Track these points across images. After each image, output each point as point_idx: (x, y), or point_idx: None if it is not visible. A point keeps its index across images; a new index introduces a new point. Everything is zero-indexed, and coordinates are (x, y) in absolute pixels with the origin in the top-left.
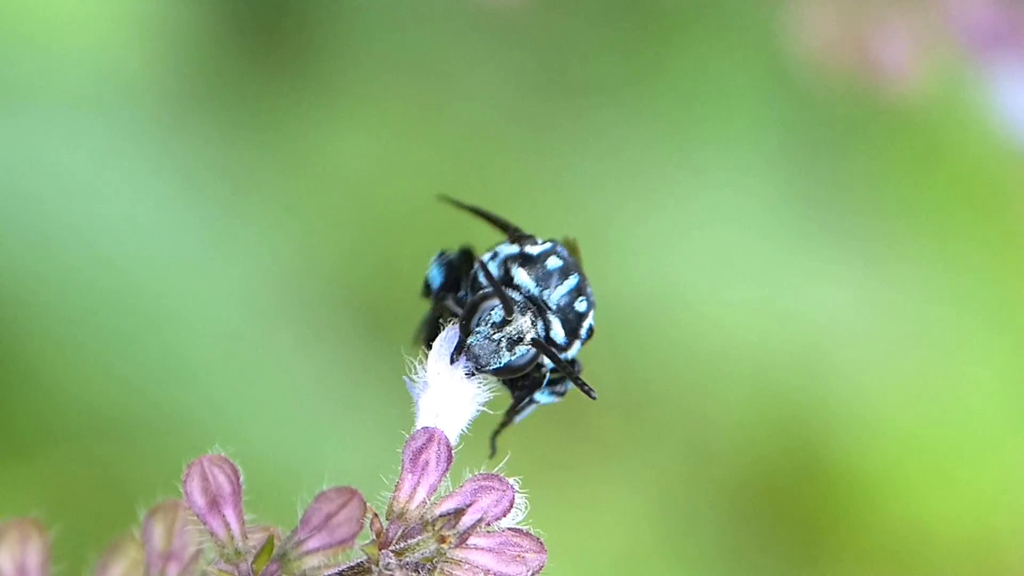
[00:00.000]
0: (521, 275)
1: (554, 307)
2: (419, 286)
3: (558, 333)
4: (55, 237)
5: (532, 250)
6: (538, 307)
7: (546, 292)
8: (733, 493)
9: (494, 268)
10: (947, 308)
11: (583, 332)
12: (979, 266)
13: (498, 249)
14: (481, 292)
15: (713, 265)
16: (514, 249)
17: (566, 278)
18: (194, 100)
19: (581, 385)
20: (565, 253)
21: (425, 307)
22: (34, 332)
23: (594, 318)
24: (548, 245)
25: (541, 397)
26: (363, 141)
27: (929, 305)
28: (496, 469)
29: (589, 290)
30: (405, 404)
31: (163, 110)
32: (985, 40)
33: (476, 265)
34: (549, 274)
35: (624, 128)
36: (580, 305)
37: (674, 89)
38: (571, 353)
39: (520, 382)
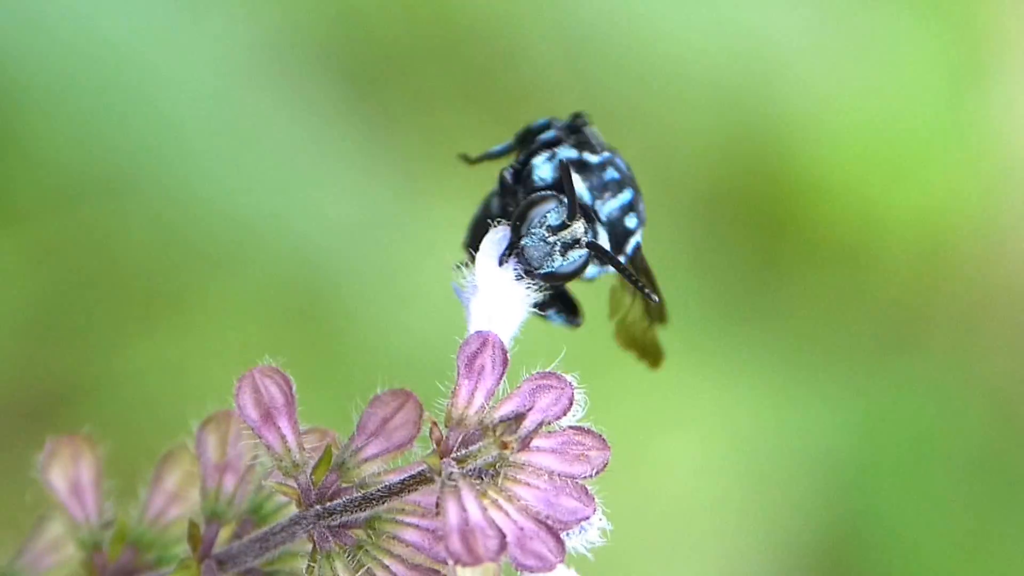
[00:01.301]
0: (577, 182)
1: (604, 219)
2: (389, 46)
3: (604, 243)
4: (51, 14)
5: (591, 158)
6: (587, 216)
7: (599, 203)
8: (697, 200)
9: (550, 169)
10: (892, 18)
11: (629, 248)
12: None
13: (556, 150)
14: (539, 193)
15: None
16: (573, 152)
17: (620, 191)
18: None
19: (641, 287)
20: (623, 165)
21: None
22: (32, 104)
23: (643, 235)
24: (607, 155)
25: (555, 319)
26: None
27: (875, 15)
28: (552, 366)
29: (642, 207)
30: (365, 171)
31: None
32: None
33: (540, 161)
34: (605, 184)
35: None
36: (630, 221)
37: None
38: (594, 275)
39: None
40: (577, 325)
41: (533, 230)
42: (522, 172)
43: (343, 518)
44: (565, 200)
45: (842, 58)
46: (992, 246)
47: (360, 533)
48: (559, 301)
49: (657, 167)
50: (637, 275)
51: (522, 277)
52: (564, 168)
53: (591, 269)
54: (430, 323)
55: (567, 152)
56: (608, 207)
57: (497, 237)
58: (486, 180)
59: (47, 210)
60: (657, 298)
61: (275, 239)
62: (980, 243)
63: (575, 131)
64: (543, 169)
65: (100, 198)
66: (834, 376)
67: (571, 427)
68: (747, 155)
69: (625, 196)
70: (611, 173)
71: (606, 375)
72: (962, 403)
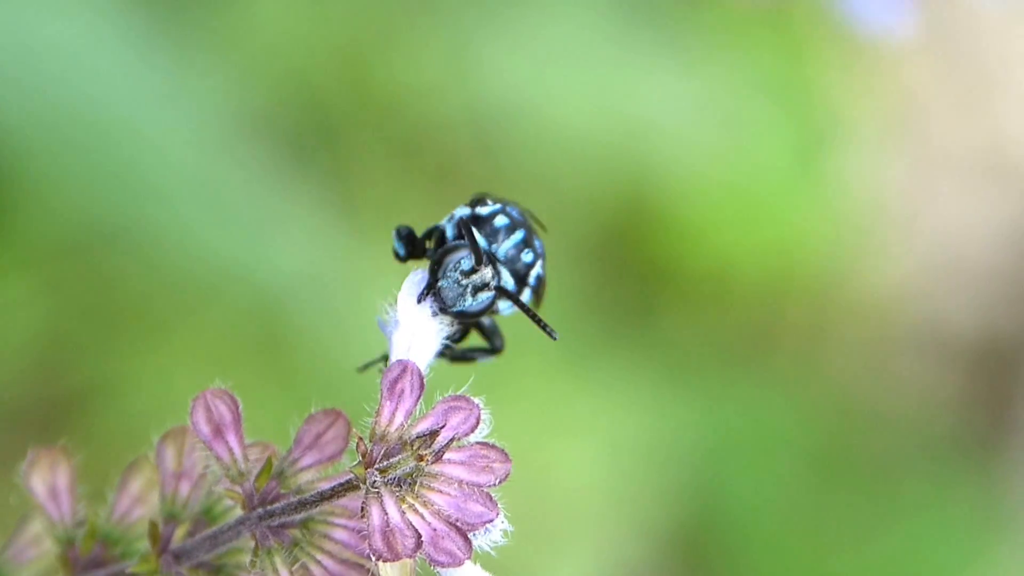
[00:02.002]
0: (473, 234)
1: (502, 258)
2: (336, 116)
3: (508, 281)
4: (49, 85)
5: (482, 211)
6: (490, 259)
7: (495, 246)
8: (590, 248)
9: (450, 228)
10: (745, 93)
11: (531, 280)
12: (770, 67)
13: (454, 212)
14: (452, 244)
15: (561, 74)
16: (467, 211)
17: (512, 233)
18: None
19: (542, 326)
20: (514, 212)
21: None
22: (38, 166)
23: (543, 268)
24: (497, 206)
25: (481, 358)
26: (280, 7)
27: (732, 91)
28: (461, 390)
29: (537, 243)
30: (318, 213)
31: None
32: None
33: (444, 224)
34: (497, 231)
35: None
36: (527, 256)
37: None
38: (505, 313)
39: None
40: (497, 353)
41: (448, 274)
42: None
43: (281, 519)
44: (472, 248)
45: (710, 132)
46: (832, 276)
47: (296, 532)
48: (473, 334)
49: (556, 224)
50: (537, 310)
51: (437, 314)
52: (461, 224)
53: (503, 307)
54: (366, 352)
55: (462, 211)
56: (504, 247)
57: (416, 279)
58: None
59: (53, 256)
60: (556, 337)
61: (243, 282)
62: (822, 274)
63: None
64: (447, 229)
65: (98, 247)
66: (699, 387)
67: (478, 443)
68: (631, 211)
69: (517, 236)
70: (501, 220)
71: (505, 387)
72: (808, 404)
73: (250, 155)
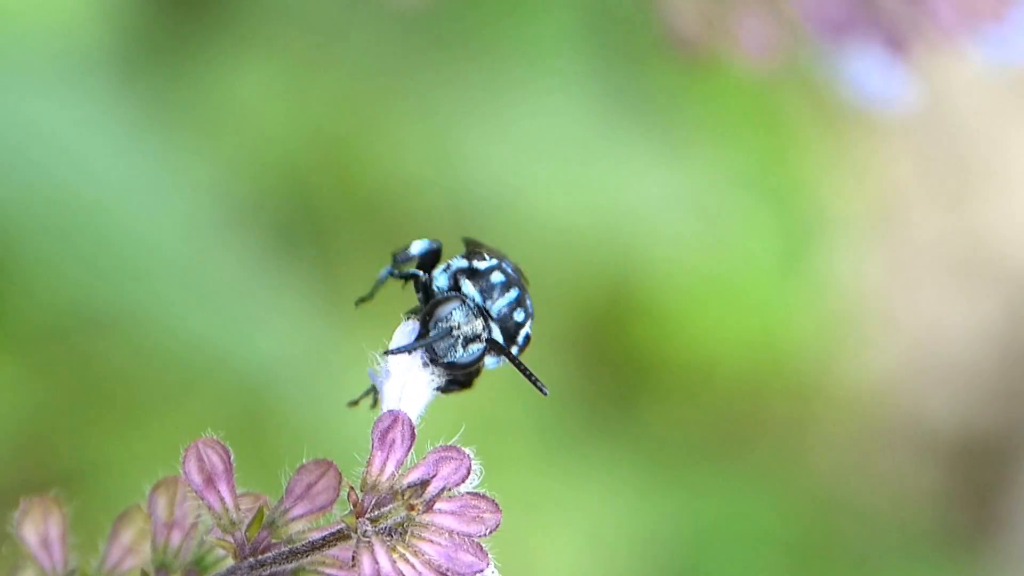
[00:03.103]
0: (467, 286)
1: (495, 315)
2: (321, 204)
3: (498, 338)
4: (33, 168)
5: (479, 265)
6: (483, 314)
7: (489, 302)
8: (572, 337)
9: (445, 278)
10: (729, 186)
11: (520, 339)
12: (753, 155)
13: (450, 262)
14: (444, 295)
15: (544, 164)
16: (464, 263)
17: (507, 291)
18: (135, 58)
19: (533, 381)
20: (509, 269)
21: None
22: (16, 249)
23: (532, 327)
24: (494, 262)
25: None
26: (268, 87)
27: (716, 184)
28: (453, 441)
29: (529, 303)
30: (303, 300)
31: (111, 71)
32: (828, 27)
33: (437, 273)
34: (492, 287)
35: (474, 71)
36: (518, 316)
37: (510, 39)
38: (493, 366)
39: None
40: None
41: (439, 325)
42: (425, 283)
43: (273, 569)
44: (466, 301)
45: (695, 225)
46: (814, 369)
47: None
48: (458, 385)
49: (538, 313)
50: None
51: (428, 365)
52: (458, 274)
53: (490, 361)
54: (352, 421)
55: (459, 263)
56: (497, 305)
57: (407, 330)
58: (397, 308)
59: (39, 341)
60: (547, 392)
61: (227, 367)
62: (805, 367)
63: (469, 244)
64: (440, 279)
65: (83, 332)
66: (680, 478)
67: (469, 493)
68: (614, 301)
69: (511, 295)
70: (497, 277)
71: (487, 474)
72: (788, 496)
73: (236, 241)
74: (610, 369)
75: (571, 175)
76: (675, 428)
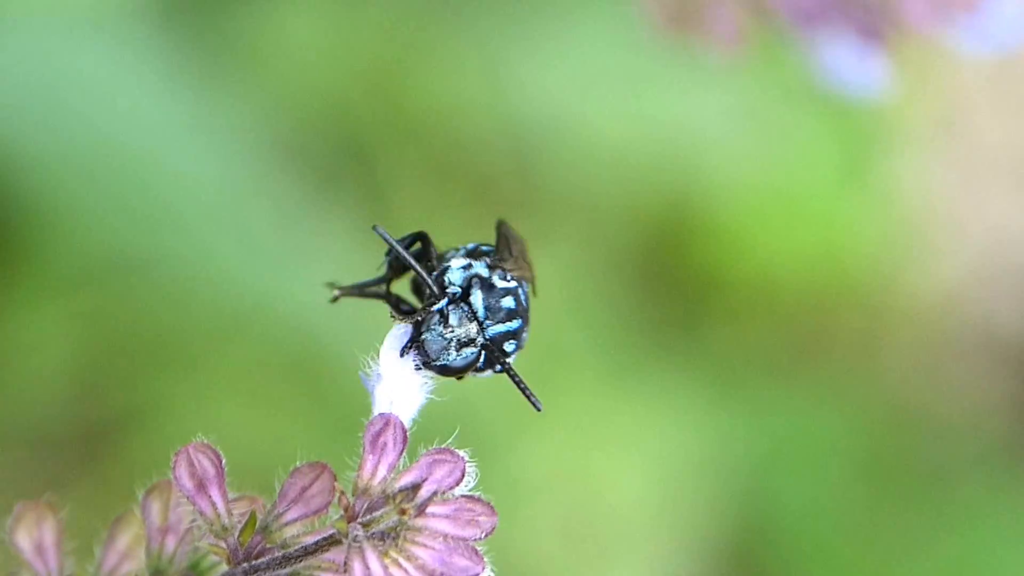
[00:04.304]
0: (477, 297)
1: (488, 336)
2: (369, 136)
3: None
4: (72, 117)
5: (497, 282)
6: (478, 323)
7: (488, 322)
8: (632, 261)
9: (460, 276)
10: (786, 99)
11: (497, 366)
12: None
13: (473, 263)
14: (444, 298)
15: (597, 88)
16: (485, 272)
17: (510, 320)
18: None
19: (527, 394)
20: (523, 296)
21: None
22: (60, 196)
23: (516, 357)
24: (512, 284)
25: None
26: (312, 22)
27: (773, 98)
28: (446, 443)
29: (524, 337)
30: (351, 244)
31: (150, 13)
32: (801, 16)
33: (455, 260)
34: (500, 309)
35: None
36: (508, 346)
37: None
38: (485, 375)
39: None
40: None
41: (433, 327)
42: (436, 271)
43: (266, 574)
44: (463, 305)
45: (752, 142)
46: (881, 281)
47: None
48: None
49: (596, 236)
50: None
51: (420, 368)
52: (472, 281)
53: (477, 371)
54: None
55: (480, 268)
56: (494, 328)
57: (400, 332)
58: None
59: (82, 288)
60: (541, 408)
61: (272, 312)
62: (870, 280)
63: (500, 248)
64: (455, 274)
65: (124, 279)
66: (747, 398)
67: (463, 496)
68: (673, 221)
69: (512, 324)
70: (508, 303)
71: (550, 405)
72: (858, 411)
73: (279, 182)
74: (672, 290)
75: (625, 96)
76: (740, 347)
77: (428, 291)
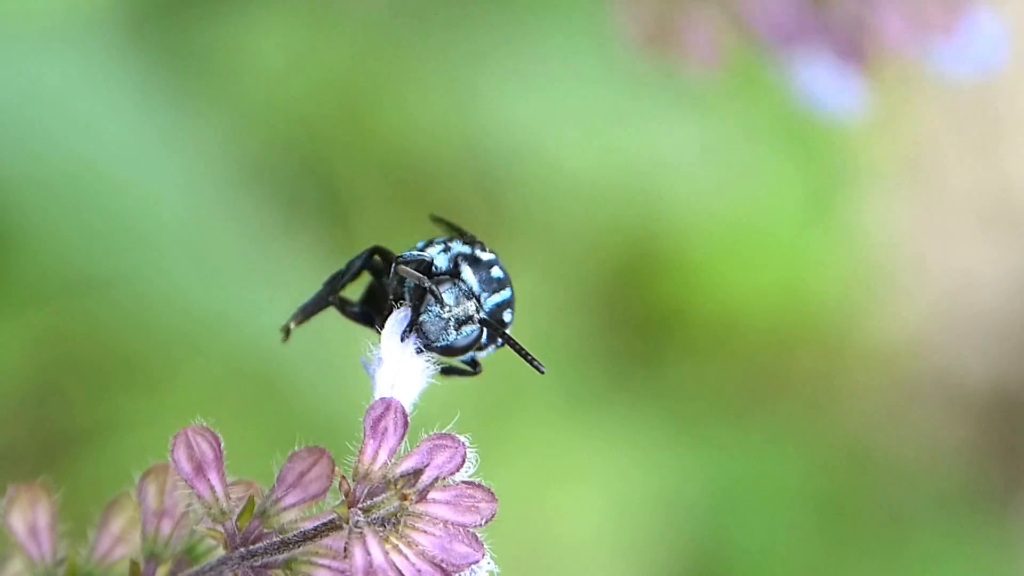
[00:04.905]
0: (468, 272)
1: (487, 309)
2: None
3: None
4: (37, 138)
5: (481, 255)
6: (475, 298)
7: (484, 295)
8: (594, 294)
9: (444, 260)
10: (753, 137)
11: (499, 340)
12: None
13: (450, 244)
14: (437, 277)
15: (565, 116)
16: (466, 249)
17: (502, 289)
18: (142, 16)
19: (530, 360)
20: (504, 267)
21: None
22: (23, 214)
23: (511, 330)
24: (493, 256)
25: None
26: (280, 42)
27: (740, 134)
28: (447, 428)
29: (514, 306)
30: (314, 266)
31: (117, 30)
32: (778, 35)
33: (435, 254)
34: (491, 280)
35: (494, 23)
36: (507, 316)
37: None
38: (486, 352)
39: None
40: (477, 373)
41: (430, 308)
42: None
43: (264, 559)
44: (458, 283)
45: (719, 177)
46: (842, 322)
47: (279, 573)
48: (453, 372)
49: (560, 267)
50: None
51: (422, 351)
52: (458, 260)
53: (479, 349)
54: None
55: (461, 248)
56: (491, 300)
57: (400, 316)
58: None
59: (41, 307)
60: (544, 371)
61: (233, 334)
62: (832, 320)
63: (452, 227)
64: (439, 259)
65: (86, 299)
66: (706, 435)
67: (464, 482)
68: (637, 254)
69: (506, 294)
70: (496, 272)
71: (509, 439)
72: (816, 453)
73: (245, 203)
74: (633, 324)
75: (592, 126)
76: (700, 384)
77: (416, 285)
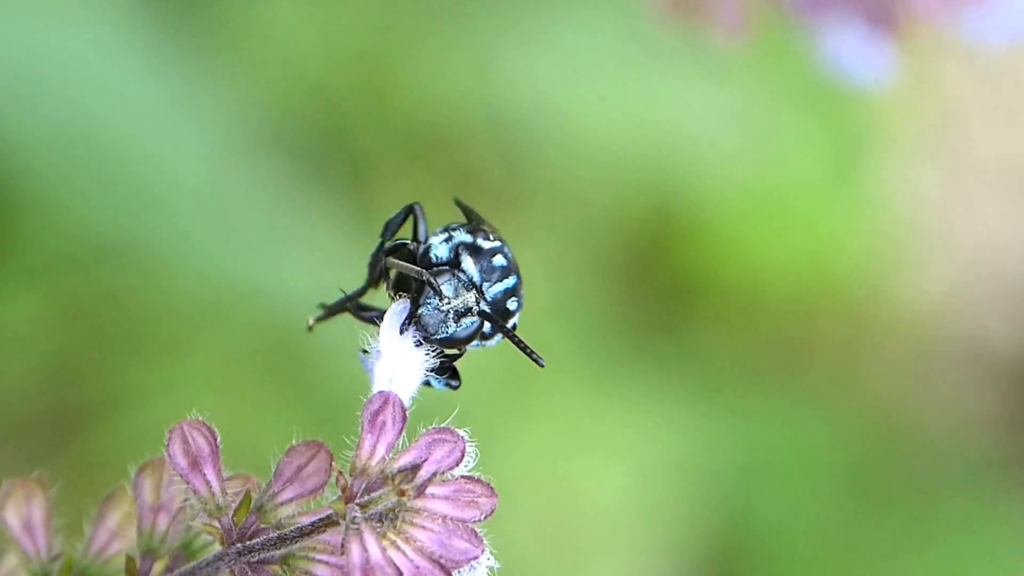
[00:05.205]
0: (468, 263)
1: (489, 299)
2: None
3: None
4: (52, 100)
5: (483, 244)
6: (476, 289)
7: (486, 284)
8: (617, 263)
9: (445, 249)
10: (777, 101)
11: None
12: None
13: (453, 233)
14: (435, 268)
15: (586, 81)
16: (468, 238)
17: (506, 277)
18: None
19: (529, 353)
20: (510, 255)
21: None
22: (44, 183)
23: (519, 318)
24: (498, 244)
25: (436, 383)
26: (300, 8)
27: (764, 99)
28: (446, 422)
29: (522, 292)
30: (334, 232)
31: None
32: (806, 2)
33: (436, 242)
34: (493, 269)
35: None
36: (512, 304)
37: None
38: (493, 342)
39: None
40: (455, 388)
41: (429, 300)
42: (419, 252)
43: (261, 555)
44: (458, 274)
45: (743, 144)
46: (868, 289)
47: (276, 568)
48: (445, 368)
49: (582, 236)
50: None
51: (420, 344)
52: (459, 250)
53: (483, 338)
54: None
55: (462, 236)
56: (494, 289)
57: (398, 308)
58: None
59: (60, 273)
60: (543, 363)
61: (252, 299)
62: (858, 287)
63: (469, 218)
64: (440, 249)
65: (104, 264)
66: (731, 403)
67: (463, 476)
68: (660, 222)
69: (509, 282)
70: (499, 260)
71: (533, 403)
72: (843, 421)
73: (263, 168)
74: (657, 292)
75: (614, 92)
76: (725, 353)
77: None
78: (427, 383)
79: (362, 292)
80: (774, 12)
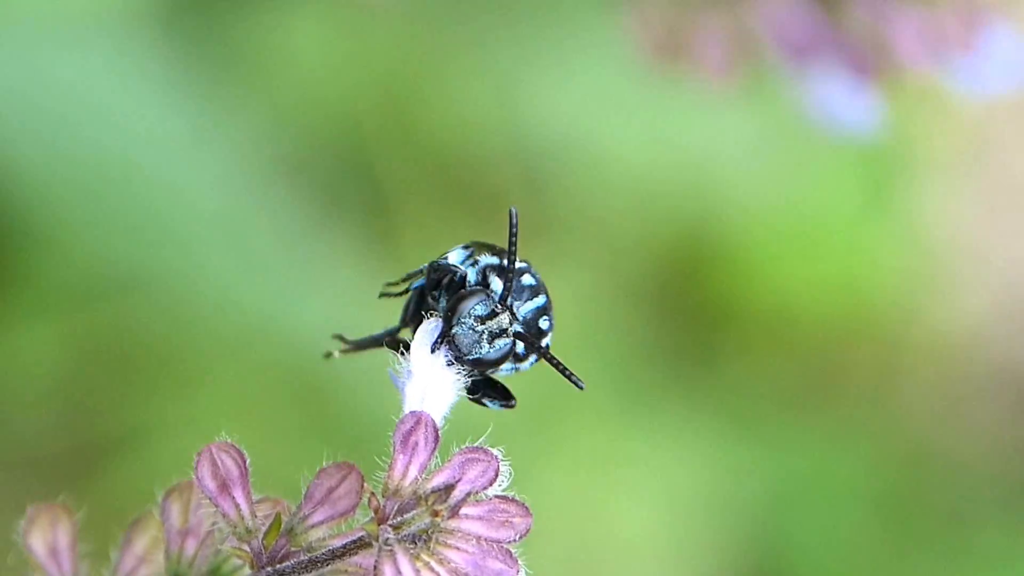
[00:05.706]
0: (497, 284)
1: (521, 318)
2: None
3: (520, 344)
4: (69, 132)
5: (510, 264)
6: (509, 310)
7: (516, 304)
8: (645, 291)
9: (473, 273)
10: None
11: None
12: None
13: (478, 258)
14: (467, 290)
15: (612, 109)
16: (495, 260)
17: (536, 296)
18: (179, 9)
19: (567, 375)
20: (538, 275)
21: None
22: (56, 210)
23: (552, 339)
24: (524, 264)
25: (491, 404)
26: (322, 36)
27: (793, 124)
28: (479, 442)
29: (552, 312)
30: (355, 264)
31: (152, 23)
32: (792, 49)
33: (463, 267)
34: (522, 288)
35: (538, 16)
36: (544, 323)
37: None
38: (527, 364)
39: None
40: (511, 407)
41: (463, 320)
42: (446, 280)
43: None
44: (491, 295)
45: (772, 168)
46: (902, 315)
47: None
48: (489, 387)
49: (610, 263)
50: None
51: (452, 363)
52: (487, 272)
53: (519, 363)
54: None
55: (489, 260)
56: (525, 309)
57: (430, 327)
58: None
59: (75, 305)
60: (583, 386)
61: (271, 333)
62: (891, 313)
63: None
64: (468, 274)
65: (120, 297)
66: (762, 432)
67: (497, 496)
68: (689, 249)
69: (540, 300)
70: (528, 280)
71: (560, 436)
72: (876, 449)
73: (282, 197)
74: (687, 320)
75: (640, 118)
76: (756, 381)
77: (448, 298)
78: (482, 403)
79: (396, 331)
80: (758, 58)
